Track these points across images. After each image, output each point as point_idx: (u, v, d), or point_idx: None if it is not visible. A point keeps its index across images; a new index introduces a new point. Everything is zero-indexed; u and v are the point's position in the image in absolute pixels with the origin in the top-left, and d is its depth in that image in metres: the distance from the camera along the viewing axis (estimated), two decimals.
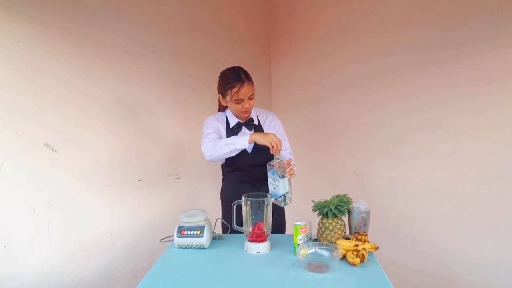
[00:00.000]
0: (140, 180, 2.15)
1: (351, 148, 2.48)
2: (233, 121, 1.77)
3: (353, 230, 1.47)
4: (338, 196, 1.46)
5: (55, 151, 1.78)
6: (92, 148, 1.93)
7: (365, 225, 1.46)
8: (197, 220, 1.51)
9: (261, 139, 1.52)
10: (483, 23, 1.79)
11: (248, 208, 1.44)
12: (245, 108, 1.67)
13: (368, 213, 1.46)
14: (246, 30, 2.83)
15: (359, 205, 1.47)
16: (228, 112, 1.80)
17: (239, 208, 1.49)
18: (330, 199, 1.46)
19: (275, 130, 1.83)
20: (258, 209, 1.44)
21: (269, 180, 1.58)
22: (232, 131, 1.74)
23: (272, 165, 1.54)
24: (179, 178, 2.36)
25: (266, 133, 1.59)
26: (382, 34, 2.23)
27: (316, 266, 1.24)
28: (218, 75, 1.71)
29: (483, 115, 1.82)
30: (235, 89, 1.62)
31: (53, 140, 1.77)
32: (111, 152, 2.01)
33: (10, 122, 1.63)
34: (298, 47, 2.82)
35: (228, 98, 1.66)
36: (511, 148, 1.74)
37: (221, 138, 1.72)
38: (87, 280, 1.91)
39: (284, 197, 1.54)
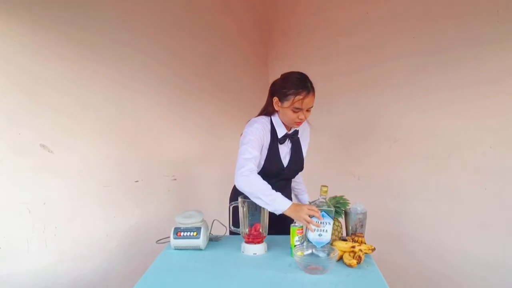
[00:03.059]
0: (136, 181, 2.15)
1: (348, 149, 2.48)
2: (280, 132, 1.59)
3: (350, 232, 1.47)
4: (335, 197, 1.46)
5: (51, 152, 1.77)
6: (89, 149, 1.92)
7: (362, 226, 1.46)
8: (194, 222, 1.51)
9: (295, 216, 1.37)
10: (480, 26, 1.80)
11: (245, 209, 1.44)
12: (300, 119, 1.52)
13: (365, 214, 1.46)
14: (244, 32, 2.83)
15: (356, 206, 1.47)
16: (275, 119, 1.60)
17: (236, 208, 1.48)
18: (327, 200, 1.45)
19: (306, 141, 1.76)
20: (255, 211, 1.44)
21: (311, 227, 1.33)
22: (277, 142, 1.59)
23: (321, 206, 1.35)
24: (175, 179, 2.36)
25: (299, 208, 1.37)
26: (380, 36, 2.24)
27: (313, 267, 1.24)
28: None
29: (480, 117, 1.83)
30: (299, 97, 1.47)
31: (49, 141, 1.76)
32: (107, 153, 2.00)
33: (6, 122, 1.62)
34: (295, 49, 2.82)
35: (287, 104, 1.50)
36: (507, 150, 1.75)
37: (261, 152, 1.55)
38: (83, 281, 1.90)
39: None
